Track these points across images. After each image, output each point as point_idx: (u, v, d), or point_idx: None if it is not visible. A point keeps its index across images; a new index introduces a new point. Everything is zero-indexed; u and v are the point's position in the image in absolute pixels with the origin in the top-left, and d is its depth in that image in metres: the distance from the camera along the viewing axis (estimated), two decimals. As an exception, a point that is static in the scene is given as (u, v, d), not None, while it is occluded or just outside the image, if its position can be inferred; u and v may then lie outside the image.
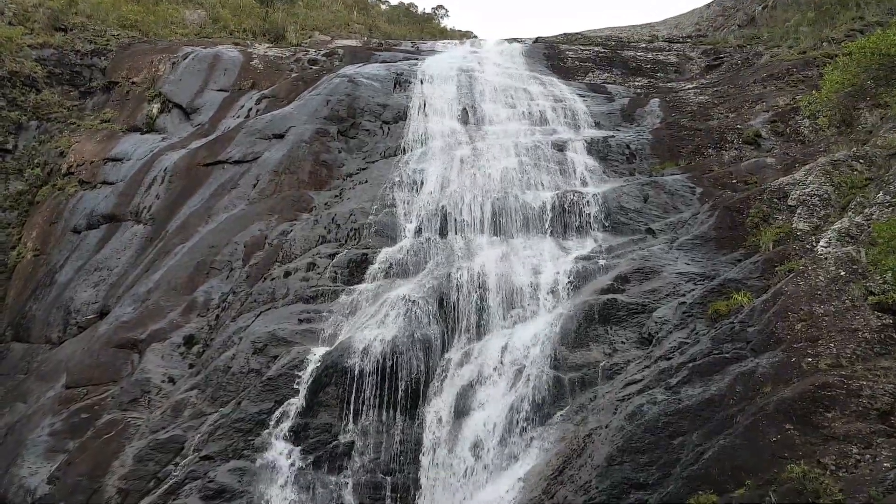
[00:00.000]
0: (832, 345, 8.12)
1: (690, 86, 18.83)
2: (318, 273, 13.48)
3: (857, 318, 8.32)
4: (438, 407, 11.07)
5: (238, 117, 18.14)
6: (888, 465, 6.93)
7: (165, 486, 10.46)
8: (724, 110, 16.42)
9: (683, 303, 9.82)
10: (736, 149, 14.75)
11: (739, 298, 9.39)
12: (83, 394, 12.30)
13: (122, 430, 11.45)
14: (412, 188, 15.12)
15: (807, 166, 12.05)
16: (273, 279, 13.56)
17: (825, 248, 9.54)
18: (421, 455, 10.61)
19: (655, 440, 8.21)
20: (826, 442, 7.35)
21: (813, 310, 8.56)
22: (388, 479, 10.42)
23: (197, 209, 15.41)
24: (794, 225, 10.91)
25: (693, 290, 10.57)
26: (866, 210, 10.03)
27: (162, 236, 15.22)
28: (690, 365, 8.69)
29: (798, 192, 11.47)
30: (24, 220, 17.40)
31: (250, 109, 18.31)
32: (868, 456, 7.09)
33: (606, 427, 8.84)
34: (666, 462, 7.99)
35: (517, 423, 10.24)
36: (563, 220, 13.75)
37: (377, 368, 11.24)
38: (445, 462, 10.44)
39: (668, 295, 10.81)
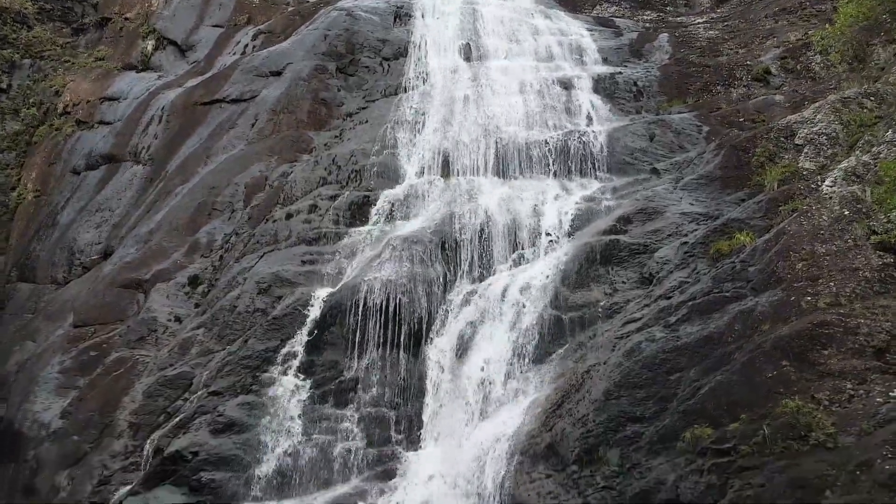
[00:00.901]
0: (832, 284, 8.16)
1: (700, 20, 18.31)
2: (320, 215, 13.48)
3: (859, 257, 8.32)
4: (441, 346, 11.25)
5: (234, 54, 17.76)
6: (881, 400, 7.06)
7: (176, 420, 10.76)
8: (734, 46, 16.01)
9: (686, 243, 9.83)
10: (745, 86, 14.46)
11: (742, 238, 9.38)
12: (91, 333, 12.52)
13: (131, 368, 11.70)
14: (413, 128, 14.92)
15: (816, 104, 11.82)
16: (275, 221, 13.57)
17: (830, 187, 9.46)
18: (424, 391, 10.86)
19: (653, 376, 8.36)
20: (821, 378, 7.48)
21: (815, 249, 8.56)
22: (393, 413, 10.69)
23: (196, 150, 15.28)
24: (800, 164, 10.79)
25: (696, 230, 10.55)
26: (874, 149, 9.89)
27: (162, 177, 15.16)
28: (690, 304, 8.76)
29: (806, 130, 11.30)
30: (23, 161, 17.33)
31: (246, 46, 17.91)
32: (861, 391, 7.21)
33: (605, 363, 8.99)
34: (663, 397, 8.16)
35: (517, 361, 10.42)
36: (568, 160, 13.61)
37: (380, 309, 11.36)
38: (448, 398, 10.69)
39: (670, 235, 10.81)
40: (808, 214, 9.05)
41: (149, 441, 10.69)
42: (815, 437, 7.08)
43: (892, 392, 7.10)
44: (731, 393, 7.73)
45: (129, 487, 10.07)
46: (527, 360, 10.38)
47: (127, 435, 10.86)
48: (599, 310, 10.24)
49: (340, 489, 9.75)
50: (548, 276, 11.06)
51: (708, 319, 8.48)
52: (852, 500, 6.64)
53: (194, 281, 13.12)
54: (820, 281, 8.23)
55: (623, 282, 10.53)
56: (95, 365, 11.85)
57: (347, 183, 14.03)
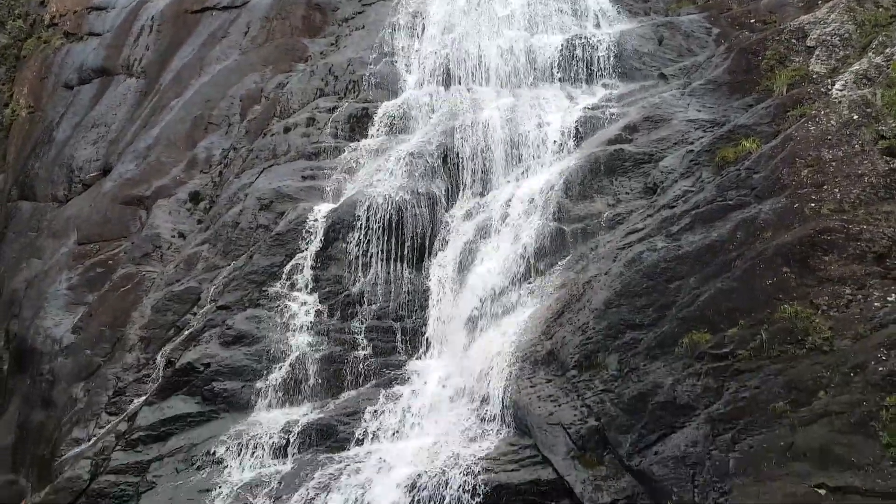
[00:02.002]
0: (836, 190, 8.08)
1: (712, -87, 17.24)
2: (319, 129, 13.25)
3: (865, 162, 8.20)
4: (444, 260, 11.34)
5: (222, -47, 16.89)
6: (878, 304, 7.15)
7: (185, 334, 11.02)
8: (747, -59, 15.16)
9: (691, 151, 9.67)
10: (757, -15, 13.80)
11: (748, 145, 9.22)
12: (95, 250, 12.60)
13: (138, 283, 11.86)
14: (412, 34, 14.40)
15: (830, 3, 11.31)
16: (273, 135, 13.37)
17: (840, 91, 9.20)
18: (428, 304, 11.03)
19: (653, 285, 8.44)
20: (820, 284, 7.54)
21: (821, 155, 8.42)
22: (398, 324, 10.91)
23: (189, 60, 14.85)
24: (810, 67, 10.44)
25: (702, 137, 10.36)
26: (887, 50, 9.55)
27: (156, 90, 14.81)
28: (693, 213, 8.72)
29: (818, 31, 10.86)
30: (13, 76, 16.90)
31: (234, -56, 17.00)
32: (860, 296, 7.29)
33: (606, 273, 9.07)
34: (662, 304, 8.27)
35: (519, 273, 10.51)
36: (573, 66, 13.21)
37: (383, 224, 11.37)
38: (451, 310, 10.87)
39: (676, 143, 10.62)
40: (816, 119, 8.84)
41: (160, 354, 10.98)
42: (812, 341, 7.23)
43: (891, 297, 7.18)
44: (731, 299, 7.83)
45: (143, 398, 10.43)
46: (529, 271, 10.47)
47: (138, 348, 11.15)
48: (602, 221, 10.22)
49: (349, 396, 10.10)
50: (551, 188, 10.99)
51: (710, 228, 8.47)
52: (844, 399, 6.86)
53: (195, 197, 13.07)
54: (825, 187, 8.15)
55: (627, 192, 10.45)
56: (103, 281, 12.01)
57: (345, 94, 13.71)
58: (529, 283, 10.39)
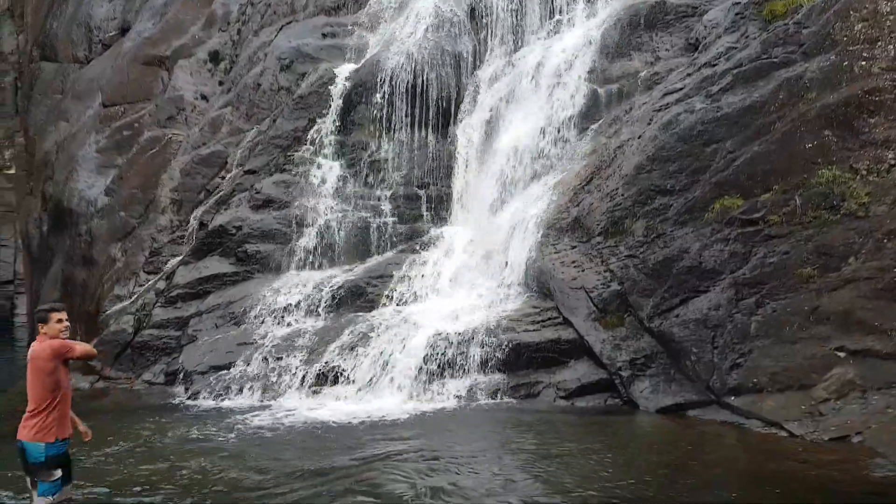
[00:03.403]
0: (891, 47, 7.52)
1: None
2: (339, -20, 12.55)
3: (929, 16, 7.56)
4: (470, 124, 11.05)
5: None
6: (923, 169, 6.87)
7: (215, 197, 11.16)
8: None
9: (737, 3, 8.96)
10: None
11: (800, -3, 8.51)
12: (120, 112, 12.53)
13: (165, 146, 11.88)
14: None
15: None
16: (292, -12, 12.72)
17: (912, -66, 8.29)
18: (454, 170, 10.92)
19: (688, 148, 8.18)
20: (863, 147, 7.24)
21: (878, 8, 7.76)
22: (423, 191, 10.89)
23: None
24: None
25: (750, -12, 9.58)
26: None
27: (169, -59, 13.98)
28: (735, 71, 8.24)
29: None
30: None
31: None
32: (904, 161, 7.00)
33: (639, 138, 8.79)
34: (695, 169, 8.06)
35: (548, 138, 10.24)
36: None
37: (406, 87, 11.01)
38: (477, 177, 10.75)
39: (722, -5, 9.86)
40: (879, -33, 8.06)
41: (192, 217, 11.21)
42: (847, 207, 7.06)
43: (937, 161, 6.89)
44: (767, 163, 7.58)
45: (179, 258, 10.77)
46: (559, 137, 10.19)
47: (170, 210, 11.37)
48: (638, 81, 9.75)
49: (377, 261, 10.30)
50: (587, 44, 10.41)
51: (752, 88, 8.03)
52: (874, 265, 6.79)
53: (215, 57, 12.72)
54: (878, 44, 7.58)
55: (667, 48, 9.87)
56: (130, 144, 12.04)
57: (366, -60, 12.83)
58: (558, 148, 10.15)
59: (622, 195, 8.55)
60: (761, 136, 7.71)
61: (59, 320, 3.72)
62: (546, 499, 4.93)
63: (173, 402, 8.63)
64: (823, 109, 7.43)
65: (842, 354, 6.65)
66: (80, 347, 3.87)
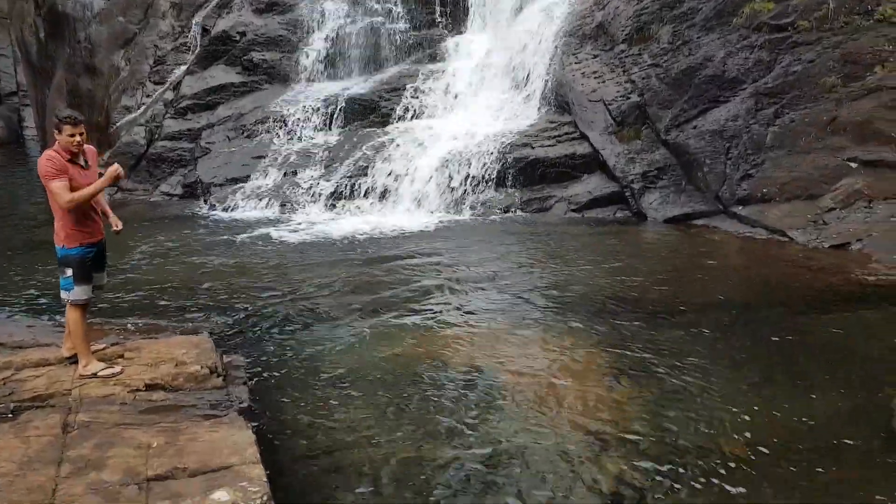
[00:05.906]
0: None
1: None
2: None
3: None
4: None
5: None
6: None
7: (216, 0, 10.59)
8: None
9: None
10: None
11: None
12: None
13: (158, -55, 11.03)
14: None
15: None
16: None
17: None
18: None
19: (722, -52, 7.66)
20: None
21: None
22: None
23: None
24: None
25: None
26: None
27: None
28: None
29: None
30: None
31: None
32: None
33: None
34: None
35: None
36: None
37: None
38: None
39: None
40: None
41: (194, 22, 10.71)
42: (882, 12, 6.80)
43: None
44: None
45: (185, 67, 10.47)
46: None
47: (171, 15, 10.84)
48: None
49: (390, 73, 10.00)
50: None
51: None
52: (901, 73, 6.68)
53: None
54: None
55: None
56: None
57: None
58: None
59: (647, -4, 8.13)
60: (803, -67, 7.20)
61: (72, 134, 3.39)
62: (540, 292, 5.28)
63: (195, 211, 8.79)
64: None
65: (854, 164, 6.76)
66: (55, 185, 3.36)
